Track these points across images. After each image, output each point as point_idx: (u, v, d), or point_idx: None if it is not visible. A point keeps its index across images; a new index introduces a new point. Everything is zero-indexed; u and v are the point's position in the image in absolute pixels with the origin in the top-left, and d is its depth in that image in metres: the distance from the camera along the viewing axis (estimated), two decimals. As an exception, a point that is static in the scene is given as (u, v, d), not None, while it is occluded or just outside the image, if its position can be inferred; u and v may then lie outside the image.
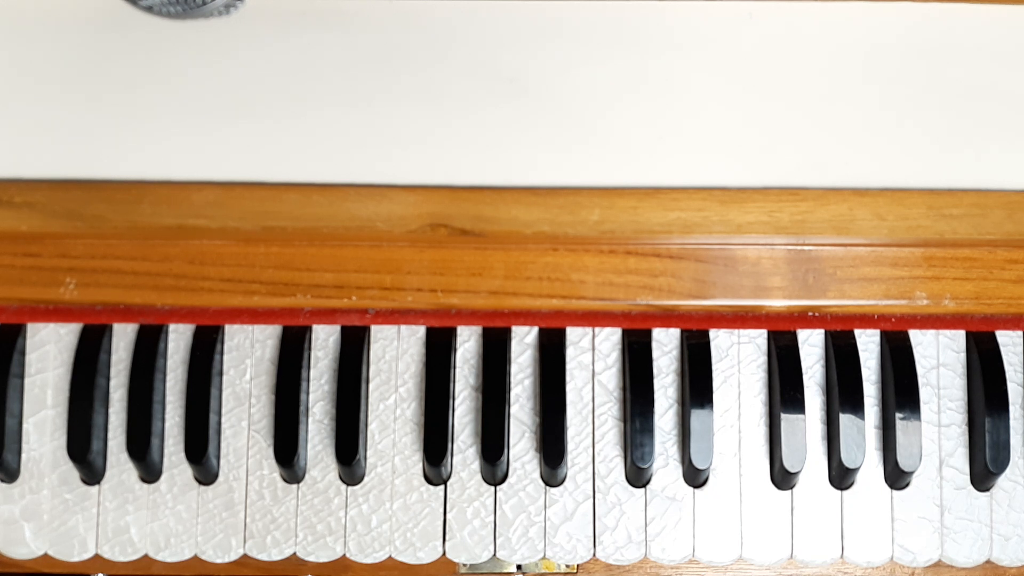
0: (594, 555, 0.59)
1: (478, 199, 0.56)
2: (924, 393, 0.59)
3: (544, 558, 0.59)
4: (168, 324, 0.60)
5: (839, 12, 0.59)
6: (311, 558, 0.58)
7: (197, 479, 0.59)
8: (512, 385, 0.59)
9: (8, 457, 0.58)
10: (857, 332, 0.59)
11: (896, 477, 0.58)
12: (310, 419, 0.59)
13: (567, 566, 0.59)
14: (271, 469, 0.59)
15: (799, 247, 0.58)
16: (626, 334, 0.59)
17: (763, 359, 0.60)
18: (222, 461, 0.59)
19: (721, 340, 0.60)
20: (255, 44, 0.59)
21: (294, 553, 0.58)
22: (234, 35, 0.59)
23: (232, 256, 0.58)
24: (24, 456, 0.59)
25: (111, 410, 0.59)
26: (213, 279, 0.58)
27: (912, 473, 0.58)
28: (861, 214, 0.56)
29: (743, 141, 0.58)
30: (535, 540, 0.59)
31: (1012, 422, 0.58)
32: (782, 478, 0.58)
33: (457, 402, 0.59)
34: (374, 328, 0.60)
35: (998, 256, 0.58)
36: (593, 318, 0.59)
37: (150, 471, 0.59)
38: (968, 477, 0.59)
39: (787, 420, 0.58)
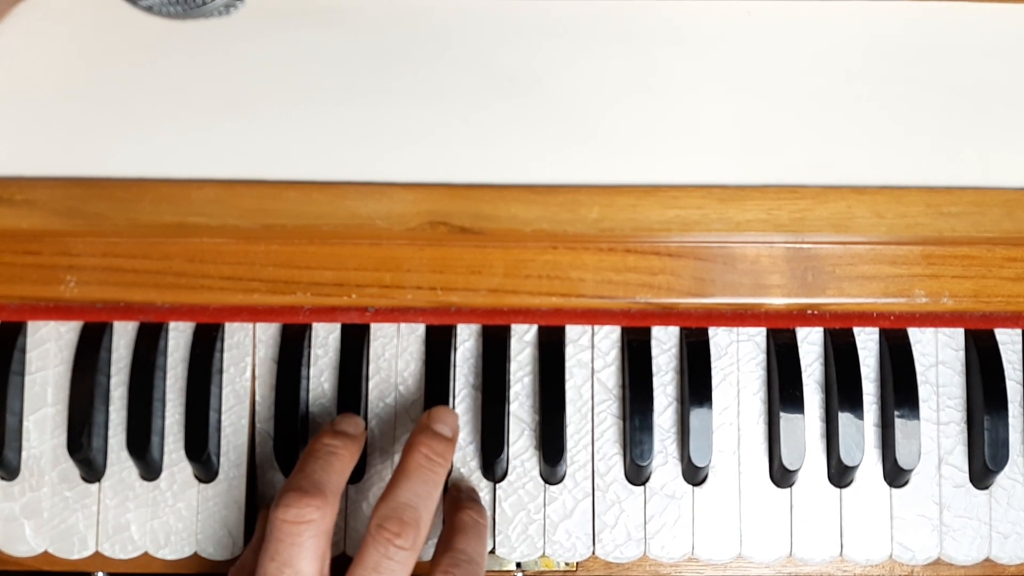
0: (593, 553, 0.59)
1: (477, 197, 0.56)
2: (923, 391, 0.59)
3: (543, 556, 0.59)
4: (168, 322, 0.60)
5: (837, 10, 0.59)
6: (311, 555, 0.58)
7: (197, 477, 0.59)
8: (511, 383, 0.60)
9: (8, 455, 0.58)
10: (856, 330, 0.60)
11: (895, 475, 0.58)
12: (310, 417, 0.59)
13: (566, 564, 0.59)
14: (271, 466, 0.59)
15: (798, 245, 0.58)
16: (625, 332, 0.60)
17: (762, 357, 0.60)
18: (222, 459, 0.59)
19: (720, 338, 0.60)
20: (255, 43, 0.59)
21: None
22: (234, 35, 0.59)
23: (232, 254, 0.58)
24: (24, 454, 0.59)
25: (111, 408, 0.59)
26: (213, 277, 0.58)
27: (911, 471, 0.58)
28: (860, 212, 0.56)
29: (742, 139, 0.58)
30: (534, 538, 0.59)
31: (1011, 420, 0.58)
32: (781, 476, 0.58)
33: (456, 400, 0.60)
34: (374, 326, 0.60)
35: (997, 254, 0.58)
36: (592, 316, 0.59)
37: (150, 469, 0.59)
38: (967, 475, 0.59)
39: (786, 418, 0.58)
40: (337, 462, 0.53)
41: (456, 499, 0.57)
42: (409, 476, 0.53)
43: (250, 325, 0.60)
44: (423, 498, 0.52)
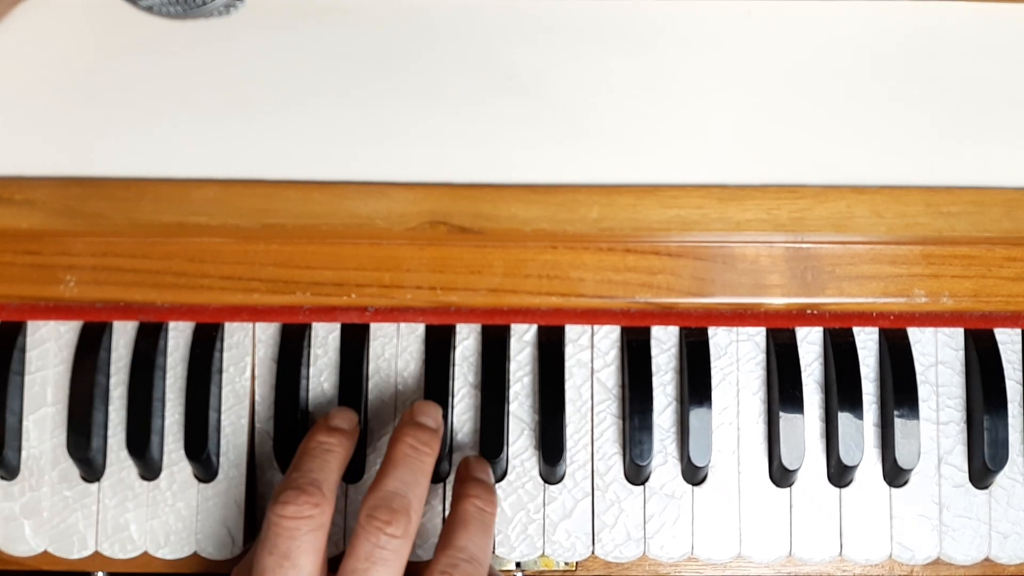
0: (593, 552, 0.59)
1: (477, 197, 0.56)
2: (923, 391, 0.59)
3: (543, 555, 0.59)
4: (168, 322, 0.60)
5: (837, 10, 0.59)
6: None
7: (197, 476, 0.59)
8: (511, 383, 0.60)
9: (8, 454, 0.58)
10: (856, 330, 0.59)
11: (895, 475, 0.58)
12: (310, 417, 0.59)
13: (566, 564, 0.59)
14: (271, 466, 0.59)
15: (798, 244, 0.58)
16: (625, 332, 0.60)
17: (762, 357, 0.60)
18: (222, 458, 0.59)
19: (720, 338, 0.60)
20: (255, 43, 0.59)
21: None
22: (234, 35, 0.59)
23: (232, 253, 0.58)
24: (24, 453, 0.59)
25: (111, 408, 0.59)
26: (213, 276, 0.58)
27: (911, 471, 0.58)
28: (859, 211, 0.56)
29: (741, 138, 0.58)
30: (534, 537, 0.59)
31: (1011, 420, 0.58)
32: (781, 476, 0.58)
33: (456, 399, 0.60)
34: (373, 326, 0.60)
35: (996, 254, 0.58)
36: (592, 316, 0.59)
37: (150, 468, 0.59)
38: (967, 475, 0.59)
39: (786, 418, 0.58)
40: (333, 459, 0.53)
41: (463, 481, 0.56)
42: (396, 465, 0.52)
43: (250, 325, 0.60)
44: (411, 486, 0.52)
